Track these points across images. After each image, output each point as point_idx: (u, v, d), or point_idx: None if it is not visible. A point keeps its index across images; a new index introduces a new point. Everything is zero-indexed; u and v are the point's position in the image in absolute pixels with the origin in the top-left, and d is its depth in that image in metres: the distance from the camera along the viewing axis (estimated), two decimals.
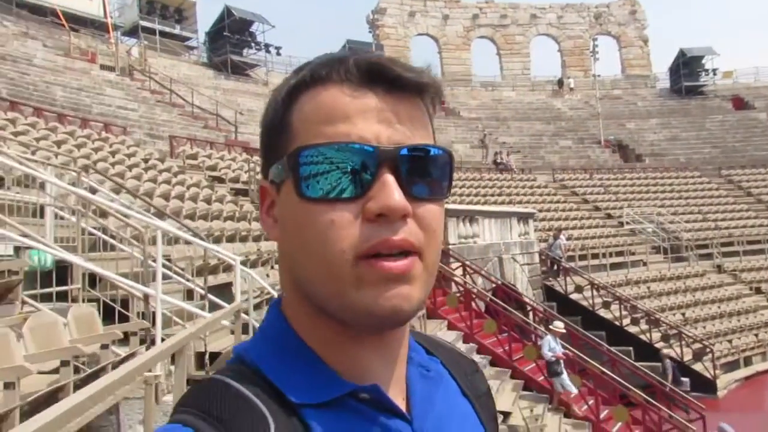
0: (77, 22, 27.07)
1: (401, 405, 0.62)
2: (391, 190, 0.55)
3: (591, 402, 10.72)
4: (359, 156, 0.55)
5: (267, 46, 31.41)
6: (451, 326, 11.60)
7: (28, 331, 3.49)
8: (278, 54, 31.80)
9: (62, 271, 5.59)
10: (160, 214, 9.40)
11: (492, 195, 23.68)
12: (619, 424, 10.42)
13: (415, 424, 0.61)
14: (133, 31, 29.95)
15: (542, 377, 10.76)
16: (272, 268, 10.48)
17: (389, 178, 0.56)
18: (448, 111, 33.92)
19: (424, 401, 0.64)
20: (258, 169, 15.36)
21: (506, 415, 8.90)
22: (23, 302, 4.53)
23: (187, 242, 6.94)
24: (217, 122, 22.63)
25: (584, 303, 16.81)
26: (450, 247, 13.71)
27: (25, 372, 2.85)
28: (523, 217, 17.26)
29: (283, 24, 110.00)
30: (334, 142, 0.56)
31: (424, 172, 0.58)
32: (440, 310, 11.88)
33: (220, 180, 15.57)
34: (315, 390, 0.58)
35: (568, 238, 19.96)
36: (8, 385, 2.80)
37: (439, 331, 11.09)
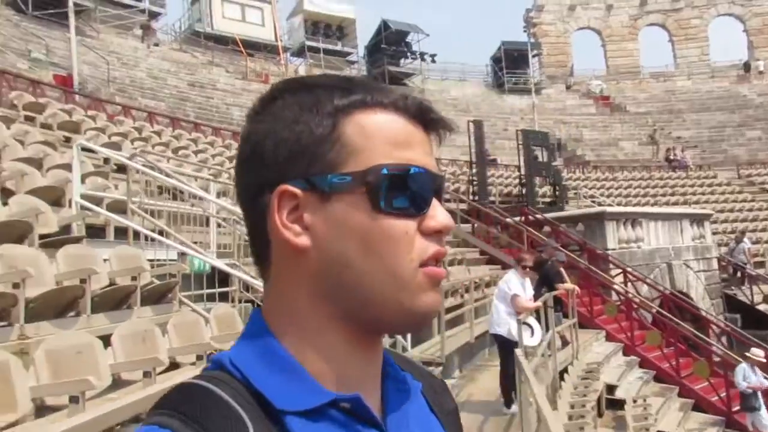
0: (253, 47, 29.79)
1: (377, 416, 0.64)
2: (443, 211, 0.65)
3: None
4: (426, 180, 0.64)
5: (422, 54, 32.03)
6: (609, 337, 10.87)
7: (172, 327, 3.93)
8: (433, 61, 32.27)
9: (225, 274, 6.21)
10: None
11: (663, 195, 21.76)
12: None
13: None
14: (300, 52, 32.26)
15: (716, 397, 9.64)
16: None
17: (436, 201, 0.65)
18: (613, 107, 31.87)
19: (399, 414, 0.66)
20: None
21: None
22: (180, 302, 5.10)
23: None
24: None
25: None
26: (609, 252, 12.87)
27: (160, 363, 3.22)
28: (698, 219, 15.62)
29: (436, 31, 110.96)
30: (413, 165, 0.63)
31: (443, 196, 0.69)
32: (597, 319, 11.18)
33: None
34: (299, 397, 0.60)
35: (755, 242, 17.70)
36: (147, 374, 3.18)
37: (595, 341, 10.45)
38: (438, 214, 0.64)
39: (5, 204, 4.96)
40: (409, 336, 7.36)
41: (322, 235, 0.62)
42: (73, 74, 16.92)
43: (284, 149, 0.63)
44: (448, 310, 8.95)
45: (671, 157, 25.10)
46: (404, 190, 0.62)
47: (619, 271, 12.46)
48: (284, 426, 0.59)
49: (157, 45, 27.51)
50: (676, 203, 20.66)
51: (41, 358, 2.91)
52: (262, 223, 0.64)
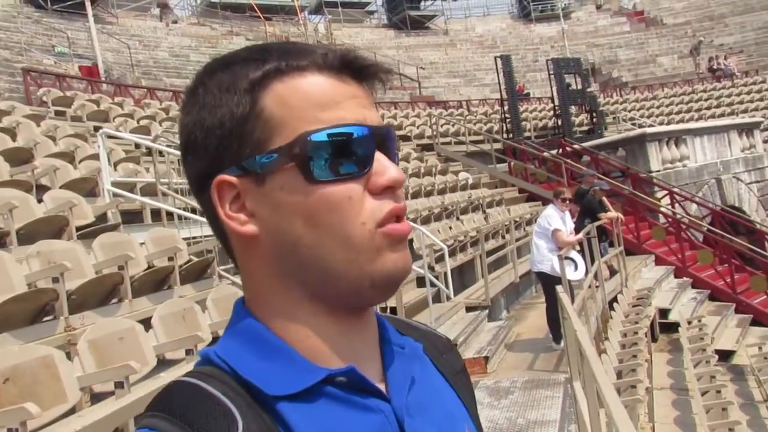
0: (270, 11, 29.44)
1: (379, 385, 0.63)
2: (390, 165, 0.61)
3: None
4: (360, 137, 0.60)
5: None
6: (659, 261, 10.66)
7: (212, 303, 4.02)
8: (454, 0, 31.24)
9: None
10: None
11: (708, 108, 20.80)
12: None
13: (394, 403, 0.62)
14: (317, 9, 31.71)
15: None
16: (457, 219, 10.58)
17: (381, 155, 0.61)
18: (649, 21, 30.33)
19: (402, 379, 0.64)
20: (439, 121, 15.08)
21: (729, 354, 7.98)
22: (220, 276, 5.22)
23: None
24: (401, 81, 23.14)
25: None
26: (652, 174, 12.47)
27: (201, 340, 3.32)
28: (747, 129, 14.93)
29: None
30: (340, 125, 0.59)
31: (394, 148, 0.64)
32: (645, 244, 10.95)
33: (405, 138, 15.99)
34: (291, 380, 0.59)
35: None
36: (189, 352, 3.28)
37: (644, 266, 10.26)
38: (385, 169, 0.60)
39: (40, 201, 5.12)
40: (451, 284, 7.38)
41: (267, 220, 0.60)
42: (98, 63, 17.13)
43: (213, 137, 0.60)
44: (490, 253, 8.91)
45: (714, 67, 23.85)
46: (338, 153, 0.58)
47: (665, 192, 12.09)
48: (278, 413, 0.57)
49: (175, 22, 27.49)
50: (722, 115, 19.75)
51: (85, 348, 3.03)
52: (213, 216, 0.62)
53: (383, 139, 0.62)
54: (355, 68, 0.62)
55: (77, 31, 19.98)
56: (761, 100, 21.12)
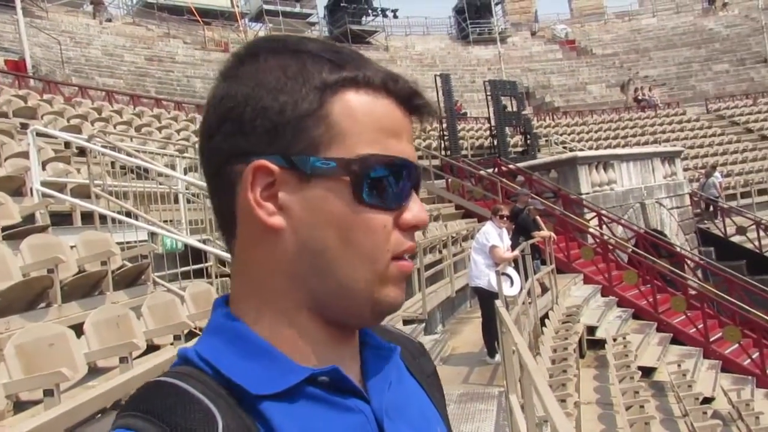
0: (208, 15, 28.96)
1: (358, 385, 0.64)
2: (420, 205, 0.63)
3: (756, 355, 9.73)
4: (408, 172, 0.62)
5: (384, 10, 31.42)
6: (587, 279, 11.08)
7: (147, 310, 3.88)
8: (395, 17, 31.72)
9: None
10: None
11: (633, 136, 21.94)
12: None
13: (373, 404, 0.62)
14: (258, 16, 31.45)
15: (693, 329, 9.93)
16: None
17: (414, 194, 0.63)
18: (580, 51, 31.79)
19: (380, 380, 0.65)
20: None
21: (651, 370, 8.37)
22: (155, 283, 5.03)
23: None
24: None
25: (749, 245, 15.16)
26: (582, 196, 13.01)
27: (136, 347, 3.18)
28: (669, 157, 15.81)
29: None
30: (400, 158, 0.61)
31: (420, 186, 0.66)
32: (574, 263, 11.37)
33: None
34: (273, 379, 0.58)
35: (726, 175, 18.02)
36: (123, 360, 3.14)
37: (573, 285, 10.64)
38: (415, 209, 0.63)
39: None
40: None
41: (297, 218, 0.60)
42: (26, 58, 16.29)
43: (266, 120, 0.59)
44: (427, 267, 9.01)
45: (640, 97, 25.23)
46: (388, 184, 0.60)
47: (594, 214, 12.62)
48: (260, 412, 0.57)
49: (109, 20, 26.59)
50: (646, 143, 20.86)
51: (11, 354, 2.85)
52: (228, 194, 0.60)
53: (417, 179, 0.64)
54: (413, 104, 0.64)
55: (3, 24, 18.98)
56: (681, 130, 22.48)
